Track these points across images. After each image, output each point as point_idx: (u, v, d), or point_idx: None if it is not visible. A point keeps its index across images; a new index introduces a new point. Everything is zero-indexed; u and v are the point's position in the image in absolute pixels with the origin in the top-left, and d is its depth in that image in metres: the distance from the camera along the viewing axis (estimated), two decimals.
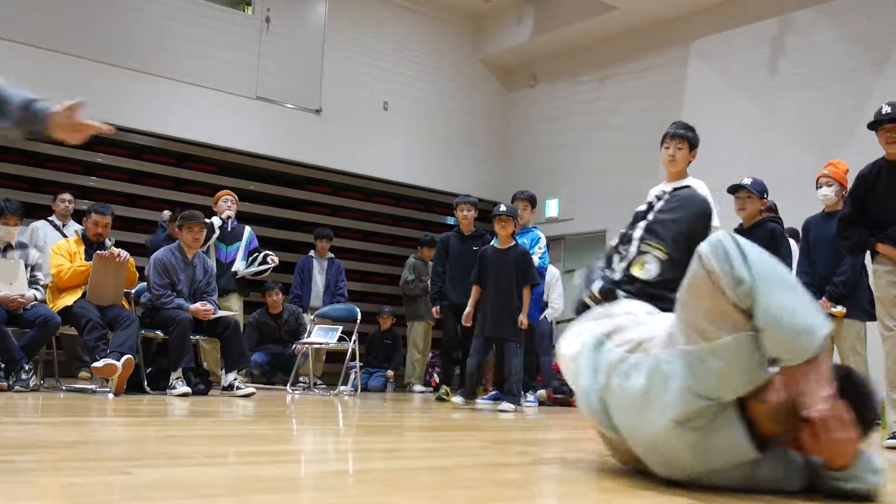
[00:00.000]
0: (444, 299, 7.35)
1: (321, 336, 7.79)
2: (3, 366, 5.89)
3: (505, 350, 6.55)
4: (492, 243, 6.80)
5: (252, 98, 10.16)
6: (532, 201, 7.65)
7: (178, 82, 9.57)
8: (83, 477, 2.01)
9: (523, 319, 6.42)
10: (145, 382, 6.29)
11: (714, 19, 10.22)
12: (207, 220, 7.15)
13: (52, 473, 2.08)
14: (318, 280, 9.07)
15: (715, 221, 4.15)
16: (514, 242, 6.69)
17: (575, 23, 11.12)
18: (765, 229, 5.32)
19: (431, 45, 11.89)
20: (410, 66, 11.62)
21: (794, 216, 6.27)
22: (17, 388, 5.71)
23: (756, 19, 9.84)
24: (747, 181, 5.37)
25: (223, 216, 7.75)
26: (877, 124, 4.79)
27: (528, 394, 7.47)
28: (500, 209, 6.73)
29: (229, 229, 7.80)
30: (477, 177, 12.07)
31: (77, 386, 6.80)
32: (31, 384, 5.86)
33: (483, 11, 12.13)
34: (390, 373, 9.52)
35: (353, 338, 7.79)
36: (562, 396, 7.56)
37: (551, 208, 11.46)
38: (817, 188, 5.88)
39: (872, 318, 4.97)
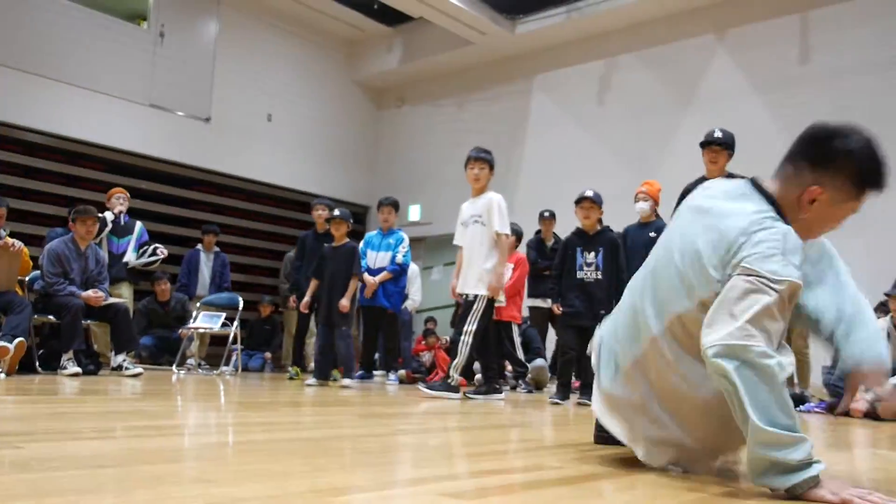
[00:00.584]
0: (299, 290, 7.26)
1: (206, 322, 7.64)
2: None
3: (335, 334, 6.47)
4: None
5: (145, 105, 9.80)
6: (396, 206, 7.72)
7: (74, 86, 9.12)
8: None
9: (344, 303, 6.30)
10: (37, 363, 6.00)
11: (553, 58, 10.60)
12: (100, 215, 6.89)
13: None
14: (205, 271, 8.89)
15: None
16: (346, 241, 6.65)
17: (438, 54, 11.28)
18: (608, 237, 5.52)
19: (312, 66, 11.80)
20: (293, 83, 11.51)
21: (616, 225, 6.53)
22: None
23: (587, 60, 10.26)
24: (589, 193, 5.43)
25: (115, 211, 7.49)
26: (705, 144, 5.18)
27: (389, 373, 7.55)
28: (336, 214, 6.72)
29: (121, 224, 7.54)
30: (349, 183, 12.09)
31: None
32: None
33: (358, 39, 12.12)
34: (268, 355, 9.39)
35: (235, 323, 7.66)
36: (419, 376, 7.67)
37: (413, 213, 11.58)
38: (635, 202, 6.23)
39: None
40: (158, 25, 10.04)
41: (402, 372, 7.72)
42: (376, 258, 7.39)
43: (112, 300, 6.46)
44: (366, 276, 7.24)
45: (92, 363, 6.31)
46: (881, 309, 6.25)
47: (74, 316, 6.01)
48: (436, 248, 11.42)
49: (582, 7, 9.83)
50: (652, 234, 5.81)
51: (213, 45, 10.60)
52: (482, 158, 5.38)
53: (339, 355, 6.45)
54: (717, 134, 5.20)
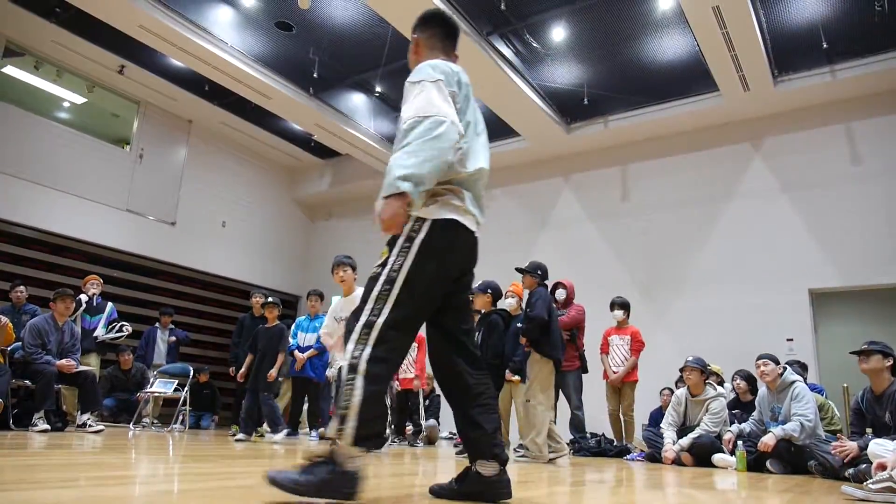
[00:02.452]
0: (237, 362, 7.14)
1: (161, 387, 7.24)
2: None
3: (260, 398, 6.27)
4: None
5: (122, 210, 9.49)
6: (321, 296, 7.65)
7: (64, 192, 8.77)
8: None
9: (272, 373, 6.15)
10: (10, 421, 5.52)
11: None
12: (77, 297, 6.55)
13: None
14: (161, 345, 8.49)
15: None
16: (276, 323, 6.53)
17: (358, 181, 11.49)
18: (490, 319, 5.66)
19: (260, 185, 11.77)
20: (244, 197, 11.42)
21: None
22: None
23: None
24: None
25: (89, 294, 7.14)
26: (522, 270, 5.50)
27: (312, 430, 7.31)
28: (269, 300, 6.65)
29: (94, 304, 7.17)
30: (285, 277, 11.93)
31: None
32: None
33: (297, 166, 12.23)
34: (216, 417, 8.97)
35: (186, 388, 7.30)
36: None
37: (335, 302, 11.45)
38: (504, 298, 6.42)
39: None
40: (139, 148, 9.85)
41: (322, 430, 7.48)
42: (305, 338, 7.27)
43: (81, 368, 6.07)
44: (296, 352, 7.11)
45: (60, 421, 5.86)
46: (679, 381, 6.58)
47: (48, 381, 5.62)
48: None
49: None
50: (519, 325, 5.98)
51: (181, 165, 10.45)
52: (345, 263, 5.20)
53: (264, 415, 6.24)
54: (524, 265, 5.48)
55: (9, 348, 5.89)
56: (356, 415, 1.89)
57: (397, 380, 7.28)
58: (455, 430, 6.76)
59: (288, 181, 12.35)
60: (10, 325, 5.78)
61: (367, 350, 1.94)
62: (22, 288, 6.97)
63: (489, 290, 5.66)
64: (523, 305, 6.10)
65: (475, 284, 5.59)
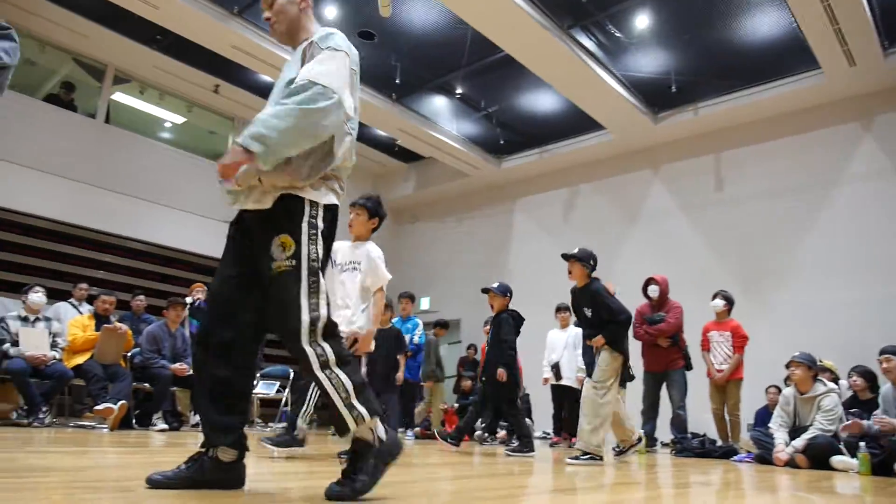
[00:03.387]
0: None
1: (264, 388, 7.63)
2: (26, 407, 5.53)
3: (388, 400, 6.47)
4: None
5: (223, 221, 10.03)
6: (412, 298, 7.81)
7: (169, 208, 9.43)
8: (93, 493, 1.88)
9: (399, 376, 6.38)
10: (134, 421, 6.01)
11: (529, 186, 10.94)
12: (185, 301, 7.01)
13: (66, 492, 1.87)
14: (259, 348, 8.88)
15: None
16: (390, 325, 6.67)
17: (442, 183, 11.66)
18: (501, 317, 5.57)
19: (348, 193, 12.05)
20: None
21: None
22: (34, 424, 5.35)
23: (555, 188, 10.60)
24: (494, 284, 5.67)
25: (195, 298, 7.55)
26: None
27: (407, 430, 7.49)
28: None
29: (202, 306, 7.59)
30: None
31: (82, 423, 6.37)
32: (46, 421, 5.51)
33: (382, 172, 12.53)
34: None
35: (286, 389, 7.66)
36: (429, 432, 7.60)
37: (424, 303, 11.68)
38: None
39: None
40: None
41: (417, 429, 7.67)
42: None
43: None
44: None
45: (176, 421, 6.30)
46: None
47: (164, 384, 6.06)
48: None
49: (551, 149, 10.24)
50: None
51: None
52: (359, 204, 4.30)
53: (390, 416, 6.43)
54: (574, 250, 4.89)
55: (129, 354, 6.40)
56: (356, 396, 1.91)
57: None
58: (550, 431, 6.75)
59: (374, 186, 12.66)
60: (130, 332, 6.28)
61: (325, 344, 1.91)
62: (142, 297, 7.51)
63: (508, 293, 5.66)
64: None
65: (493, 286, 5.66)
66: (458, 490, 2.62)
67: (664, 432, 6.73)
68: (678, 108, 8.91)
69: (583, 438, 4.60)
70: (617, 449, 5.23)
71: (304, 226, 1.96)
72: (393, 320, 7.79)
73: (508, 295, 5.65)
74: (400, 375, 6.44)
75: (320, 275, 1.96)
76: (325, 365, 1.90)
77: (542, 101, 9.22)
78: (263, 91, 9.70)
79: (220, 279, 2.15)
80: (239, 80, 9.47)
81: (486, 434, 7.45)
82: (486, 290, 5.66)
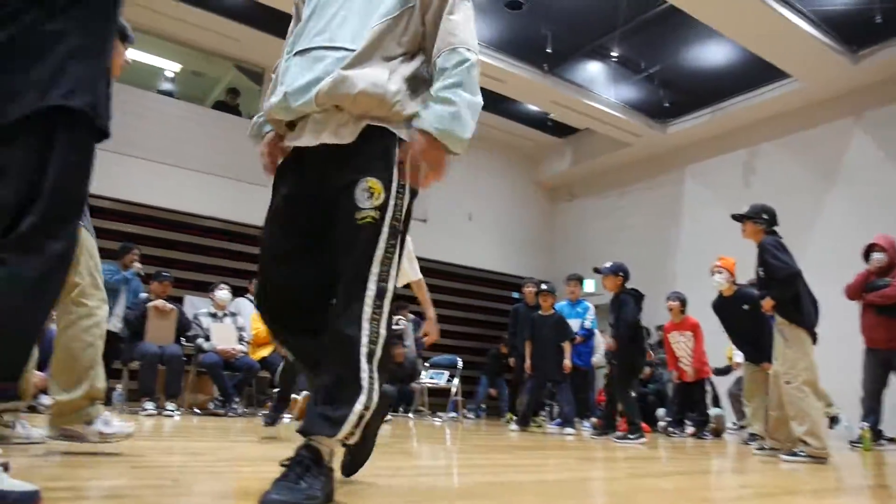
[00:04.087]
0: (517, 352, 7.16)
1: (433, 378, 7.67)
2: (221, 399, 5.91)
3: (558, 389, 6.43)
4: (538, 312, 6.61)
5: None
6: (580, 280, 7.50)
7: None
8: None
9: (567, 363, 6.22)
10: None
11: (701, 150, 10.07)
12: None
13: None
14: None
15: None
16: (552, 311, 6.50)
17: (600, 155, 11.09)
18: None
19: (499, 172, 11.94)
20: (485, 187, 11.69)
21: None
22: (229, 414, 5.71)
23: (732, 150, 9.66)
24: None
25: None
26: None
27: (584, 421, 7.18)
28: (543, 288, 6.60)
29: None
30: (533, 263, 11.95)
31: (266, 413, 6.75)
32: (239, 412, 5.86)
33: (537, 149, 12.19)
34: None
35: (456, 378, 7.64)
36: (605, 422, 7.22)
37: (588, 286, 11.17)
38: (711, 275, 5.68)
39: None
40: None
41: (594, 419, 7.32)
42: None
43: None
44: None
45: None
46: None
47: None
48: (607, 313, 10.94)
49: (725, 107, 9.33)
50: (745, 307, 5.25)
51: None
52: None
53: (562, 409, 6.31)
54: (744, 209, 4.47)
55: None
56: (366, 422, 1.50)
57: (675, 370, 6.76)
58: (739, 422, 6.10)
59: (528, 165, 12.39)
60: None
61: (383, 332, 1.53)
62: None
63: (620, 273, 5.57)
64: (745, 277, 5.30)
65: (604, 265, 5.51)
66: (680, 488, 2.31)
67: (891, 426, 5.85)
68: (885, 42, 7.68)
69: (798, 440, 3.94)
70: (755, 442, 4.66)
71: (396, 172, 1.60)
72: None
73: (621, 274, 5.55)
74: (567, 363, 6.19)
75: (399, 239, 1.60)
76: (369, 357, 1.50)
77: (711, 54, 8.39)
78: None
79: (275, 264, 1.72)
80: None
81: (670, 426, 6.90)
82: (597, 270, 5.58)
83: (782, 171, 8.96)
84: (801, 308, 4.07)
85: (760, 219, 4.38)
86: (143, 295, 5.99)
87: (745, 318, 5.18)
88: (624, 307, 5.52)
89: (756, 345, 5.08)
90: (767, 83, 8.69)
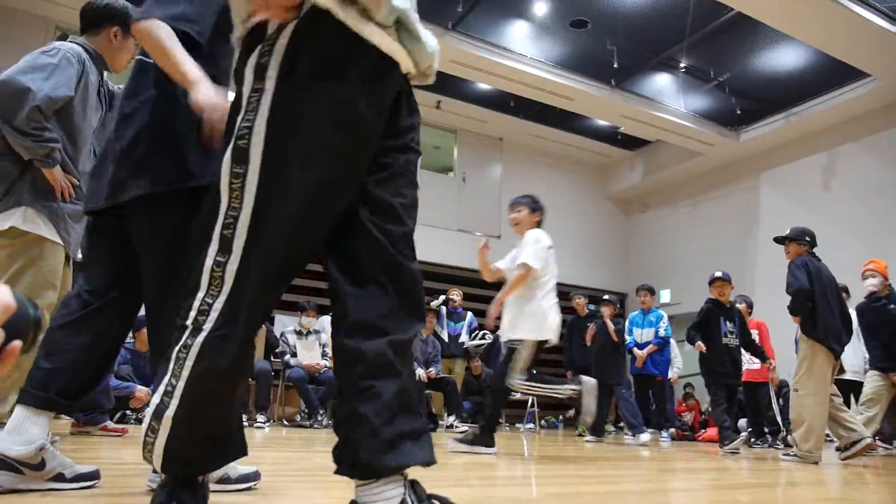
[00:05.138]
0: (573, 364, 7.34)
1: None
2: (307, 411, 6.17)
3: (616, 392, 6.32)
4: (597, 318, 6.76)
5: (454, 230, 10.46)
6: (651, 291, 7.38)
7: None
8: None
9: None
10: None
11: (777, 156, 9.70)
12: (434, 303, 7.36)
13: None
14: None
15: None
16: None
17: (672, 166, 10.86)
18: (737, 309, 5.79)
19: (571, 187, 11.88)
20: (558, 202, 11.61)
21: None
22: (314, 425, 5.94)
23: (811, 154, 9.25)
24: (718, 273, 5.71)
25: (443, 299, 7.78)
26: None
27: (662, 431, 7.02)
28: (606, 297, 6.69)
29: (457, 313, 7.84)
30: (608, 276, 11.79)
31: None
32: (324, 423, 6.09)
33: (607, 163, 12.07)
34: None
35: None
36: (687, 433, 7.05)
37: (665, 296, 10.95)
38: (863, 279, 5.40)
39: None
40: (461, 173, 10.79)
41: (672, 430, 7.14)
42: (641, 334, 7.06)
43: (444, 375, 6.76)
44: (635, 349, 6.93)
45: (431, 422, 6.59)
46: None
47: (420, 387, 6.38)
48: (684, 323, 10.61)
49: (799, 111, 8.97)
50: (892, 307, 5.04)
51: (499, 181, 11.14)
52: (520, 203, 4.33)
53: (621, 413, 6.20)
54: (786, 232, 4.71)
55: None
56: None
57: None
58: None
59: (599, 179, 12.27)
60: None
61: None
62: None
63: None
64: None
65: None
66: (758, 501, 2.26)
67: None
68: None
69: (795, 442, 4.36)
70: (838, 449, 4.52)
71: None
72: (632, 314, 7.39)
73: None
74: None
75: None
76: None
77: (782, 58, 8.10)
78: (481, 98, 9.90)
79: None
80: (457, 93, 9.75)
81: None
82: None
83: (863, 173, 8.50)
84: (817, 324, 4.32)
85: (804, 240, 4.63)
86: None
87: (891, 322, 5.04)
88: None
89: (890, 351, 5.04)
90: (844, 84, 8.30)
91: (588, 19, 7.61)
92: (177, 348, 1.13)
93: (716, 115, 9.52)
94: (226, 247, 1.11)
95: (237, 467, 1.82)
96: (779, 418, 6.22)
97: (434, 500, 1.21)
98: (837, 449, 4.62)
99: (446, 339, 7.50)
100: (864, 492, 2.78)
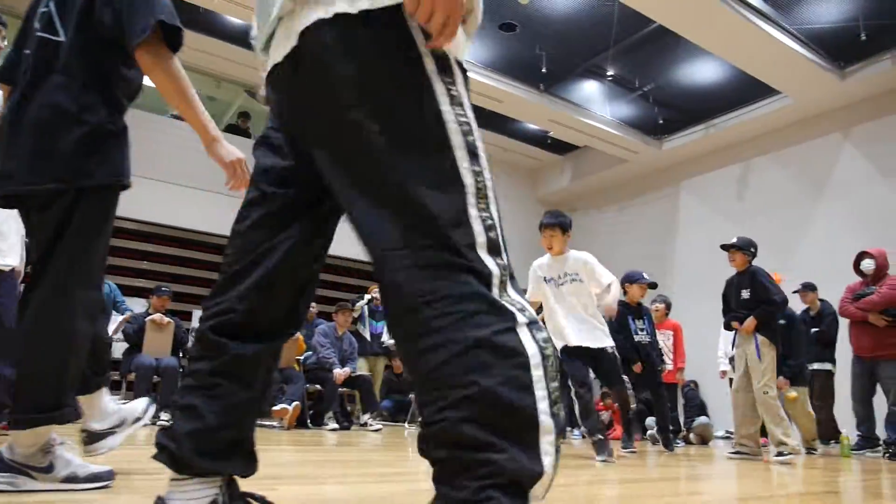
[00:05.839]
0: None
1: None
2: None
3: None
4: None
5: None
6: None
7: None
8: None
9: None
10: (308, 420, 6.25)
11: (695, 166, 9.98)
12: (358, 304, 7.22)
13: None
14: None
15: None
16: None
17: (599, 172, 11.03)
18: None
19: (503, 191, 11.86)
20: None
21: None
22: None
23: (726, 165, 9.56)
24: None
25: (368, 298, 7.67)
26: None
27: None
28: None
29: (378, 310, 7.71)
30: None
31: (262, 423, 6.76)
32: None
33: (537, 166, 12.17)
34: None
35: None
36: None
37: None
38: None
39: None
40: None
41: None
42: None
43: (359, 373, 6.64)
44: None
45: (346, 420, 6.47)
46: None
47: (333, 385, 6.24)
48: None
49: (718, 123, 9.24)
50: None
51: None
52: (552, 224, 4.51)
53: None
54: (733, 240, 4.98)
55: (302, 357, 6.70)
56: None
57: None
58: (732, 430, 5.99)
59: (531, 182, 12.36)
60: (301, 337, 6.56)
61: None
62: (313, 304, 7.89)
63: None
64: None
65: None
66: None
67: (879, 432, 5.69)
68: (869, 59, 7.57)
69: (776, 442, 4.54)
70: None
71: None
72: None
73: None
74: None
75: None
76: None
77: (703, 72, 8.32)
78: None
79: None
80: None
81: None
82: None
83: (774, 185, 8.84)
84: (775, 331, 4.70)
85: (749, 251, 4.89)
86: (143, 309, 6.07)
87: None
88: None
89: None
90: (758, 99, 8.60)
91: (517, 23, 7.61)
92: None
93: (640, 124, 9.71)
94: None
95: (88, 465, 1.79)
96: (681, 419, 6.37)
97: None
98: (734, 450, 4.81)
99: (368, 337, 7.38)
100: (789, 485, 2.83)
